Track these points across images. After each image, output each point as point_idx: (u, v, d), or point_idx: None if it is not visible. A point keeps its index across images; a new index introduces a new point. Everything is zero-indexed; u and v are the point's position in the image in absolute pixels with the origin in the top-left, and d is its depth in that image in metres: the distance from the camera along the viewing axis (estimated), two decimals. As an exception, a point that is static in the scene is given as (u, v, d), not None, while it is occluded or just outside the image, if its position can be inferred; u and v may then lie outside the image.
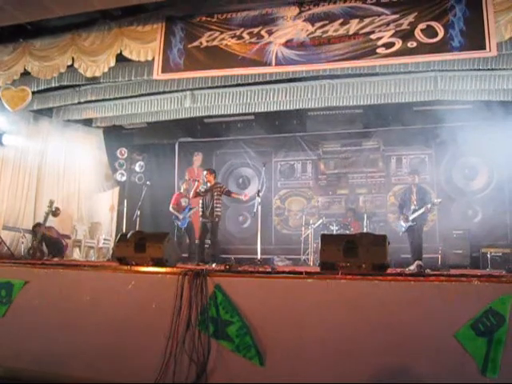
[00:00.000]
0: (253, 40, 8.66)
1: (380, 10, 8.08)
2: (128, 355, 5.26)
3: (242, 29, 8.73)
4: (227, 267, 6.17)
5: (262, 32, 8.63)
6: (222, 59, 8.81)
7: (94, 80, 10.18)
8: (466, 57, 8.19)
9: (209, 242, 11.41)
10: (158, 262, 6.18)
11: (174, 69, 9.10)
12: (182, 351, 4.99)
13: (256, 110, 12.38)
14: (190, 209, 12.77)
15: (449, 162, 13.88)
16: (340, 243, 5.40)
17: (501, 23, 7.48)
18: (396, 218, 12.35)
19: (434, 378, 4.26)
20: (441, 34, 7.73)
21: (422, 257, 10.06)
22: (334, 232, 12.55)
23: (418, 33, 7.83)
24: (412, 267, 9.45)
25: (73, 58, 9.52)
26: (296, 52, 8.44)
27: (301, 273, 5.14)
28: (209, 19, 8.96)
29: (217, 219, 10.93)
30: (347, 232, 12.42)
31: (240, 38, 8.72)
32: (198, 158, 16.17)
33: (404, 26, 7.92)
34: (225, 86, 11.08)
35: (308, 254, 13.11)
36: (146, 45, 9.10)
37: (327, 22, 8.33)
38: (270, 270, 6.55)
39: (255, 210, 10.30)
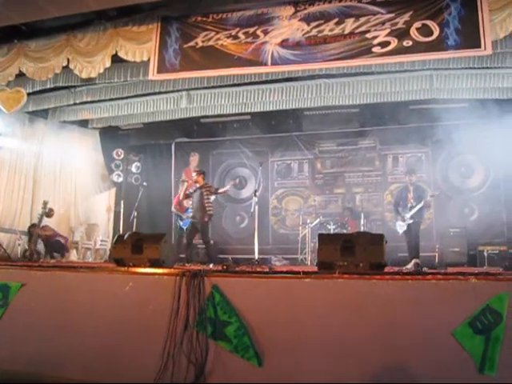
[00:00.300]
0: (248, 40, 8.66)
1: (375, 9, 8.08)
2: (126, 357, 5.25)
3: (238, 29, 8.73)
4: (225, 267, 6.18)
5: (258, 32, 8.63)
6: (217, 59, 8.80)
7: (89, 81, 10.19)
8: (461, 55, 8.22)
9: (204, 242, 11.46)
10: (155, 263, 6.17)
11: (170, 69, 9.10)
12: (180, 352, 4.98)
13: (252, 110, 12.40)
14: None
15: (445, 160, 13.92)
16: (337, 242, 5.40)
17: (496, 22, 7.50)
18: (393, 217, 12.35)
19: (431, 376, 4.25)
20: (436, 32, 7.74)
21: (419, 255, 10.09)
22: (331, 231, 12.58)
23: (413, 32, 7.84)
24: (409, 266, 9.46)
25: (68, 59, 9.50)
26: (292, 51, 8.44)
27: (298, 272, 5.14)
28: (204, 19, 8.95)
29: (206, 219, 10.99)
30: (344, 231, 12.45)
31: (236, 37, 8.72)
32: (194, 159, 16.17)
33: (399, 25, 7.92)
34: (221, 86, 11.08)
35: (305, 254, 13.14)
36: (141, 45, 9.09)
37: (323, 21, 8.33)
38: (267, 269, 6.56)
39: (252, 210, 10.31)
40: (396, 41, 7.91)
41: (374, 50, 8.03)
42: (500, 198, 12.97)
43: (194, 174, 11.59)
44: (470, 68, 9.60)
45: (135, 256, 6.31)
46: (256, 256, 9.85)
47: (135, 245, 6.36)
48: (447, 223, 12.81)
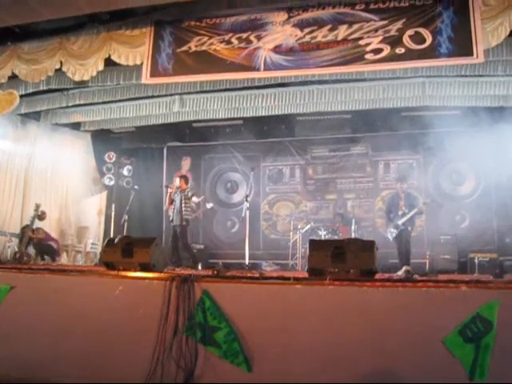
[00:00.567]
0: (241, 45, 8.67)
1: (368, 16, 8.11)
2: (115, 361, 5.23)
3: (231, 34, 8.74)
4: (215, 272, 6.16)
5: (251, 37, 8.64)
6: (210, 64, 8.81)
7: (82, 84, 10.16)
8: (453, 63, 8.25)
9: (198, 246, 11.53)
10: (145, 267, 6.16)
11: (163, 73, 9.10)
12: (169, 357, 4.97)
13: (245, 115, 12.42)
14: None
15: (436, 167, 13.97)
16: (328, 249, 5.40)
17: (488, 30, 7.53)
18: (384, 224, 12.37)
19: (421, 382, 4.27)
20: (429, 40, 7.77)
21: (409, 262, 10.09)
22: (323, 237, 12.58)
23: (406, 39, 7.87)
24: (400, 272, 9.44)
25: (61, 62, 9.49)
26: (285, 57, 8.45)
27: (289, 278, 5.15)
28: (198, 24, 8.96)
29: (184, 223, 11.12)
30: (335, 237, 12.45)
31: (229, 42, 8.73)
32: (186, 163, 16.16)
33: (392, 32, 7.95)
34: (213, 91, 11.07)
35: (296, 259, 13.12)
36: (134, 49, 9.09)
37: (316, 27, 8.35)
38: (257, 275, 6.54)
39: (243, 215, 10.31)
40: (389, 48, 7.93)
41: (367, 56, 8.05)
42: (491, 206, 13.01)
43: (176, 179, 11.76)
44: (462, 76, 9.65)
45: (125, 260, 6.28)
46: (247, 261, 9.85)
47: (125, 248, 6.33)
48: (438, 230, 12.82)
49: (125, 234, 11.98)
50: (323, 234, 12.75)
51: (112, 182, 15.17)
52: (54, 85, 10.32)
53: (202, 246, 14.57)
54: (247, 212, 10.18)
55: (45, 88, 10.47)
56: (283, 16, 8.55)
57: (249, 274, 6.56)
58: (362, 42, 8.10)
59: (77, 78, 9.51)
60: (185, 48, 8.94)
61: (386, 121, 13.30)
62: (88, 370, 5.30)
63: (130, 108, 12.42)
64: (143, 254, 6.24)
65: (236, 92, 11.30)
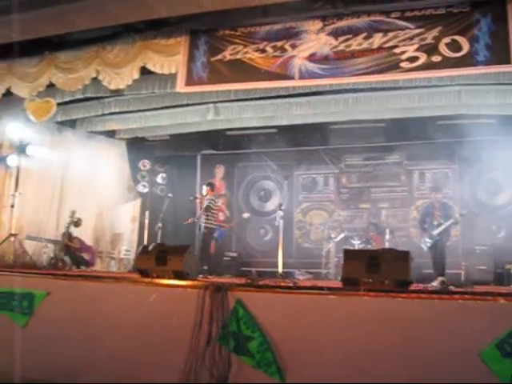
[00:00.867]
0: (276, 53, 8.68)
1: (404, 24, 8.05)
2: (147, 369, 5.25)
3: (266, 42, 8.76)
4: (248, 281, 6.15)
5: (286, 46, 8.65)
6: (245, 72, 8.84)
7: (117, 92, 10.24)
8: (491, 71, 8.09)
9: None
10: (179, 275, 6.18)
11: (198, 82, 9.16)
12: (202, 366, 4.96)
13: (278, 124, 12.42)
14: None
15: (472, 176, 13.74)
16: (363, 259, 5.37)
17: (526, 37, 7.42)
18: (418, 233, 12.22)
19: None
20: (466, 48, 7.68)
21: (444, 273, 9.96)
22: (356, 246, 12.47)
23: (442, 47, 7.79)
24: (435, 283, 9.33)
25: (97, 71, 9.63)
26: (319, 66, 8.43)
27: (323, 288, 5.11)
28: (232, 33, 9.00)
29: (205, 230, 11.21)
30: (369, 246, 12.35)
31: (263, 51, 8.75)
32: (220, 171, 16.21)
33: (428, 40, 7.88)
34: (248, 99, 11.06)
35: (329, 268, 13.03)
36: (169, 58, 9.16)
37: (351, 35, 8.33)
38: (291, 284, 6.51)
39: (277, 224, 10.26)
40: (425, 56, 7.86)
41: (402, 65, 8.00)
42: (528, 216, 12.78)
43: (203, 187, 11.89)
44: (499, 84, 9.48)
45: (159, 267, 6.33)
46: (280, 270, 9.80)
47: (159, 256, 6.39)
48: (474, 240, 12.63)
49: (158, 241, 12.02)
50: (357, 244, 12.64)
51: (146, 190, 15.25)
52: (90, 93, 10.43)
53: (235, 254, 14.59)
54: (281, 221, 10.13)
55: (81, 96, 10.60)
56: (318, 24, 8.54)
57: (282, 283, 6.55)
58: (397, 51, 8.04)
59: (112, 87, 9.63)
60: (219, 57, 8.98)
61: (420, 129, 13.13)
62: (120, 377, 5.33)
63: (165, 116, 12.50)
64: (177, 261, 6.27)
65: (270, 100, 11.26)
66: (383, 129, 13.74)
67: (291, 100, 11.20)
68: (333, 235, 13.59)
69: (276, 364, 4.72)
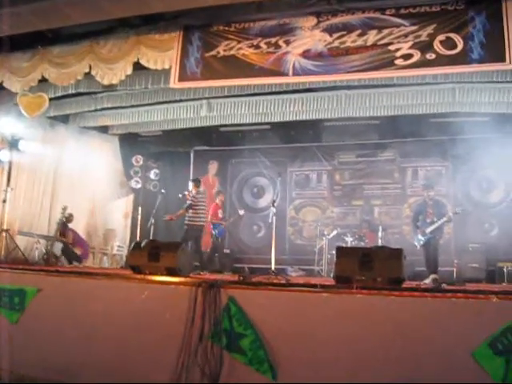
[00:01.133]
0: (270, 50, 8.63)
1: (399, 21, 8.02)
2: (140, 366, 5.23)
3: (260, 38, 8.71)
4: (241, 278, 6.13)
5: (280, 42, 8.60)
6: (238, 68, 8.80)
7: (110, 87, 10.20)
8: (485, 69, 8.08)
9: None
10: (171, 272, 6.16)
11: (191, 77, 9.11)
12: (194, 363, 4.95)
13: (272, 120, 12.39)
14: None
15: (465, 174, 13.78)
16: (356, 256, 5.37)
17: (521, 36, 7.41)
18: (411, 231, 12.22)
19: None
20: (460, 45, 7.65)
21: (437, 270, 9.96)
22: (349, 243, 12.48)
23: (436, 44, 7.76)
24: (427, 281, 9.34)
25: (90, 66, 9.56)
26: (313, 62, 8.39)
27: (316, 285, 5.10)
28: (226, 28, 8.95)
29: (185, 227, 11.17)
30: (362, 243, 12.36)
31: (257, 47, 8.70)
32: (213, 167, 16.20)
33: (423, 38, 7.85)
34: (241, 96, 11.07)
35: (322, 265, 13.03)
36: (163, 53, 9.11)
37: (345, 32, 8.28)
38: (284, 281, 6.50)
39: (270, 221, 10.23)
40: (419, 53, 7.83)
41: (397, 62, 7.96)
42: (521, 214, 12.80)
43: (190, 184, 11.81)
44: (493, 82, 9.46)
45: (152, 264, 6.31)
46: (273, 266, 9.78)
47: (152, 252, 6.37)
48: (466, 238, 12.66)
49: (151, 237, 12.00)
50: (349, 241, 12.65)
51: (139, 186, 15.24)
52: (82, 88, 10.39)
53: (227, 251, 14.56)
54: (274, 217, 10.10)
55: (74, 91, 10.55)
56: (312, 21, 8.50)
57: (275, 280, 6.53)
58: (391, 48, 8.00)
59: (105, 82, 9.57)
60: (213, 52, 8.93)
61: (414, 127, 13.13)
62: (112, 374, 5.31)
63: (158, 112, 12.46)
64: (170, 258, 6.26)
65: (264, 97, 11.26)
66: (376, 126, 13.76)
67: (285, 96, 11.20)
68: (326, 232, 13.59)
69: (268, 362, 4.71)
